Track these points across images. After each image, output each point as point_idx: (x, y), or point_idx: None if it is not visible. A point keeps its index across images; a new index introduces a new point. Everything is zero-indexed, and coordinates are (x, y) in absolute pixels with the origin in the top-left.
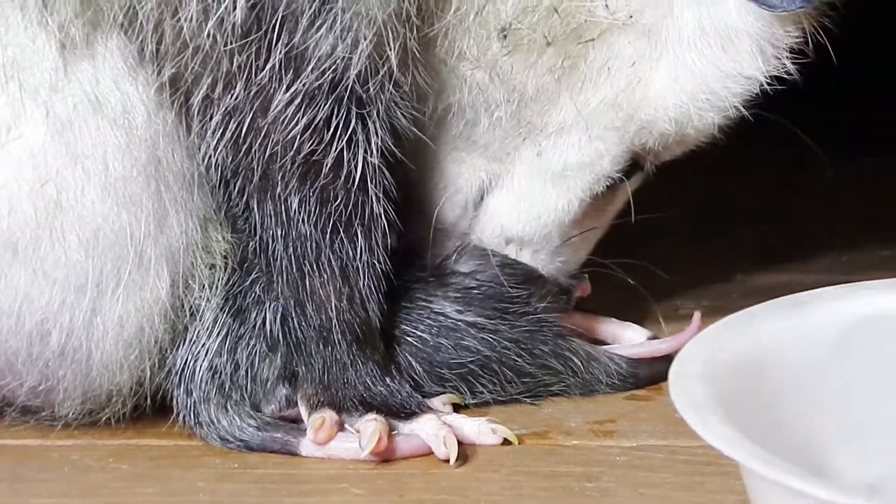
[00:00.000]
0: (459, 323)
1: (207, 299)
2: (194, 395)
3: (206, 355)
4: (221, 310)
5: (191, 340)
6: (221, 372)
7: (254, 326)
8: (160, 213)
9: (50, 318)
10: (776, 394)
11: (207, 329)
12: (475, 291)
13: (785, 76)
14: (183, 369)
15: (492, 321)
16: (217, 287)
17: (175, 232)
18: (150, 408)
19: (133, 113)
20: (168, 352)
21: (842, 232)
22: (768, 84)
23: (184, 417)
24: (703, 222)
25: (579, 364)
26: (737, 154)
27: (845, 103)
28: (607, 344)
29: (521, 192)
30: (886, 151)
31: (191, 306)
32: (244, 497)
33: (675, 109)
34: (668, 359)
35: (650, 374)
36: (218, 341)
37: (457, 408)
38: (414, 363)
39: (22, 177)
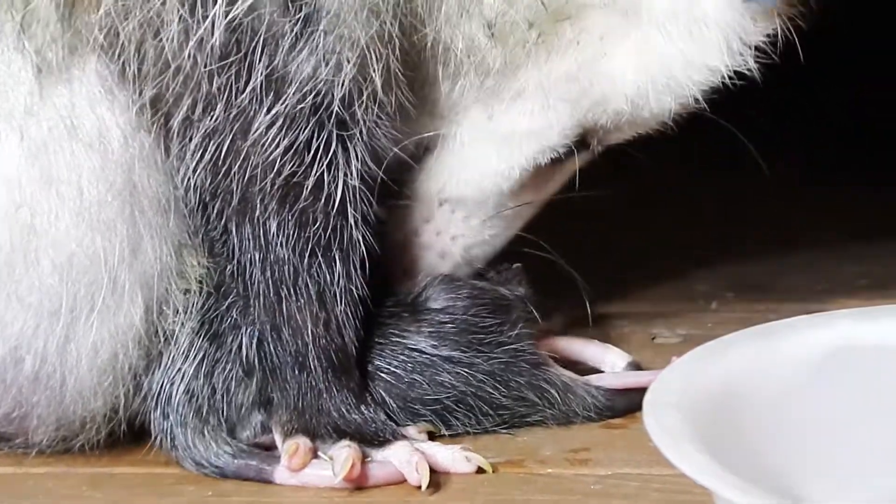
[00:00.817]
0: (434, 358)
1: (182, 324)
2: (171, 418)
3: (182, 379)
4: (197, 334)
5: (167, 365)
6: (198, 396)
7: (230, 351)
8: (135, 239)
9: (24, 344)
10: (750, 423)
11: (183, 353)
12: (449, 325)
13: (746, 73)
14: (160, 393)
15: (466, 355)
16: (192, 312)
17: (149, 257)
18: (124, 435)
19: (108, 137)
20: (143, 378)
21: (818, 261)
22: (730, 79)
23: (161, 441)
24: (679, 252)
25: (556, 396)
26: (714, 184)
27: (826, 135)
28: (588, 366)
29: (463, 153)
30: (864, 183)
31: (165, 331)
32: None
33: (632, 88)
34: (644, 389)
35: (626, 405)
36: (194, 365)
37: (431, 435)
38: (388, 398)
39: None
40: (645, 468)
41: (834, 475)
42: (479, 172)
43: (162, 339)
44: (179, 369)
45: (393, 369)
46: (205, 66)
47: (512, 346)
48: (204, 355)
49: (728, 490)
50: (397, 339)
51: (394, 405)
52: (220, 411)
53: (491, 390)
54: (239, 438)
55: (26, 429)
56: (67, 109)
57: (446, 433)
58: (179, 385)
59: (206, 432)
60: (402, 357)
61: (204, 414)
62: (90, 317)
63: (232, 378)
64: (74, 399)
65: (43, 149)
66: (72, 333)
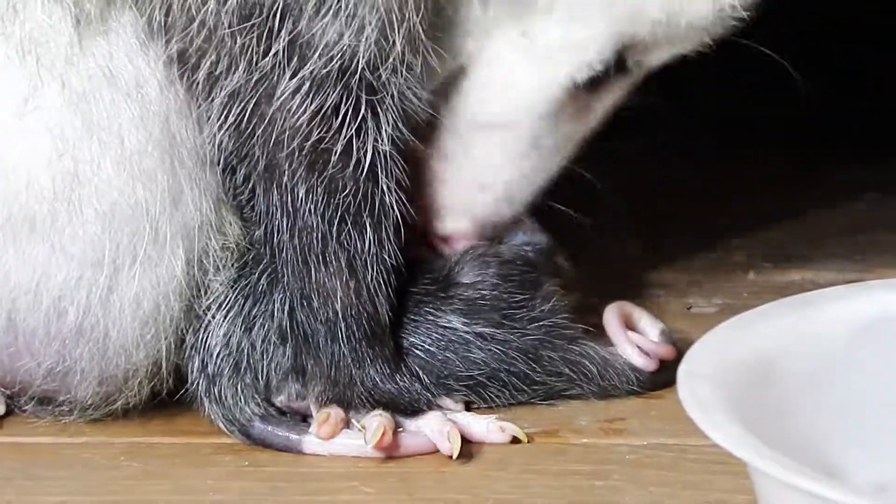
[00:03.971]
0: (467, 335)
1: (221, 281)
2: (209, 368)
3: (223, 333)
4: (235, 290)
5: (208, 318)
6: (238, 350)
7: (266, 313)
8: (175, 190)
9: (67, 295)
10: (785, 393)
11: (224, 308)
12: (480, 301)
13: None
14: (199, 343)
15: (499, 331)
16: (231, 268)
17: (190, 209)
18: (165, 399)
19: (146, 87)
20: (185, 331)
21: (856, 231)
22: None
23: (196, 387)
24: (717, 221)
25: (593, 370)
26: (752, 153)
27: (858, 105)
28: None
29: (500, 73)
30: None
31: (206, 285)
32: (254, 495)
33: None
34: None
35: (667, 377)
36: (235, 320)
37: (466, 406)
38: (422, 374)
39: (39, 149)
40: (681, 438)
41: (868, 446)
42: (516, 92)
43: (203, 293)
44: (220, 323)
45: (427, 347)
46: (228, 25)
47: (545, 322)
48: (242, 311)
49: (761, 461)
50: (431, 318)
51: (427, 381)
52: (258, 370)
53: (524, 367)
54: (273, 403)
55: (69, 385)
56: (106, 59)
57: (482, 405)
58: (220, 338)
59: (239, 388)
60: (434, 335)
61: (241, 370)
62: (133, 267)
63: (270, 340)
64: (117, 352)
65: (83, 98)
66: (115, 284)
